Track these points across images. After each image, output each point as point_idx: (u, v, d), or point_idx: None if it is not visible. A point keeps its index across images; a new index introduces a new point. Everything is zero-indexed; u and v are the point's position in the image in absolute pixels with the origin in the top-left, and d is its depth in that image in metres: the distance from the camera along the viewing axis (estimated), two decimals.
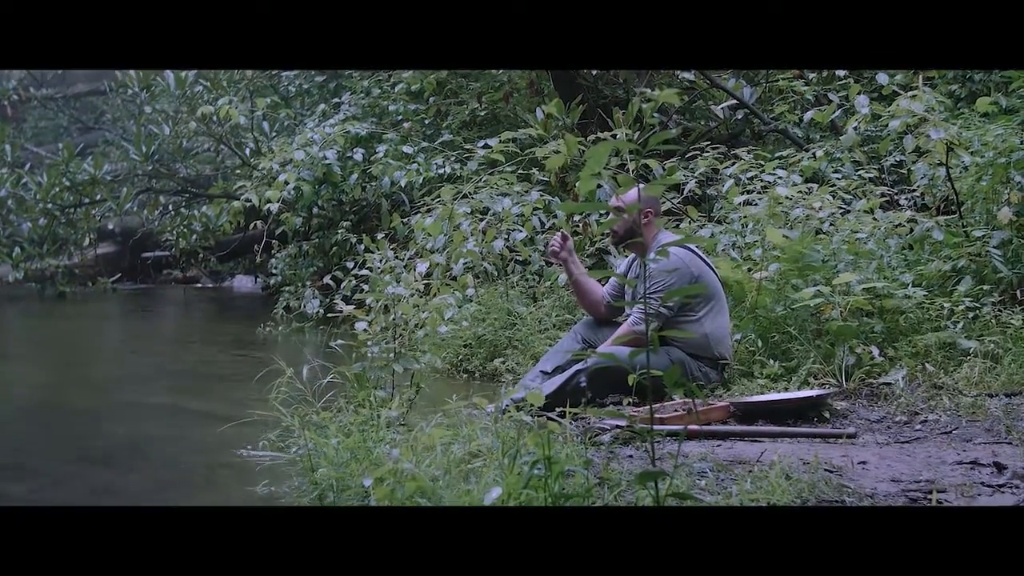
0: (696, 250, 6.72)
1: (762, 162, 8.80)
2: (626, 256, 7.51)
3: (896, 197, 8.92)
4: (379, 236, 9.68)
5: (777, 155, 9.17)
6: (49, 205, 15.26)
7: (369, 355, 6.12)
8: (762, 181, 8.51)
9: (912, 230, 7.88)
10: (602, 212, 8.66)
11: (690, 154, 9.89)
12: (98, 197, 15.57)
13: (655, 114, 10.43)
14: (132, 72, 15.73)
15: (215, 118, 14.32)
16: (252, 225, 12.88)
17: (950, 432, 5.46)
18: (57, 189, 15.14)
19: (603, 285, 7.02)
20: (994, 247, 7.40)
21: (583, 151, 8.55)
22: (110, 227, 16.82)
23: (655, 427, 3.63)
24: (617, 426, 5.31)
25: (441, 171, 11.07)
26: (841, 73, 9.80)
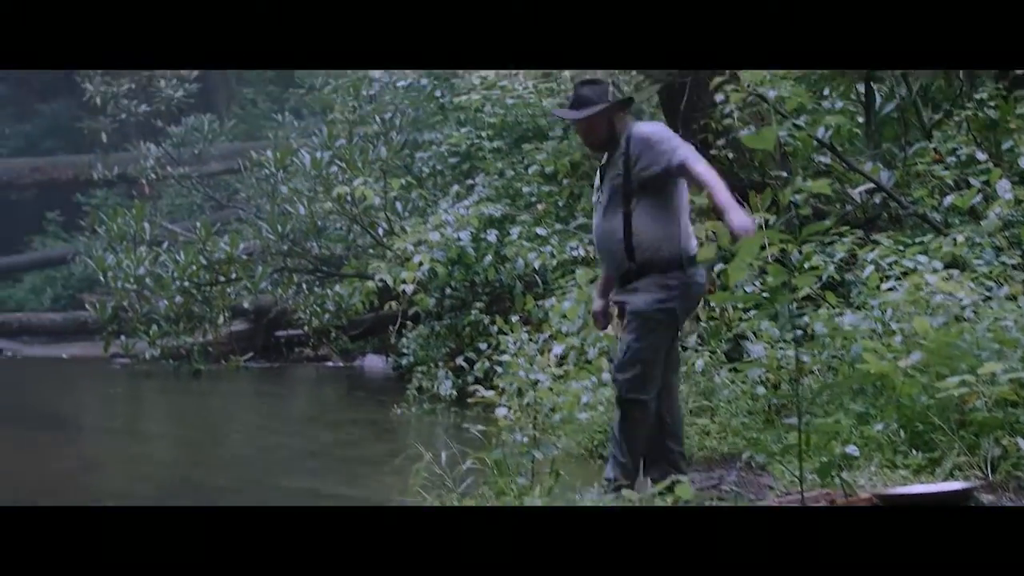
0: None
1: (902, 247, 8.67)
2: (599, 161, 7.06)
3: None
4: (513, 318, 9.73)
5: (918, 240, 9.03)
6: (186, 283, 15.53)
7: (511, 440, 6.11)
8: (902, 266, 8.39)
9: None
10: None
11: (828, 239, 9.77)
12: (233, 275, 15.83)
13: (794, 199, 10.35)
14: (268, 152, 16.10)
15: (349, 198, 14.51)
16: (387, 305, 13.00)
17: None
18: (194, 267, 15.41)
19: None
20: None
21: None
22: (244, 305, 17.06)
23: None
24: None
25: (575, 253, 11.09)
26: (982, 157, 9.65)
